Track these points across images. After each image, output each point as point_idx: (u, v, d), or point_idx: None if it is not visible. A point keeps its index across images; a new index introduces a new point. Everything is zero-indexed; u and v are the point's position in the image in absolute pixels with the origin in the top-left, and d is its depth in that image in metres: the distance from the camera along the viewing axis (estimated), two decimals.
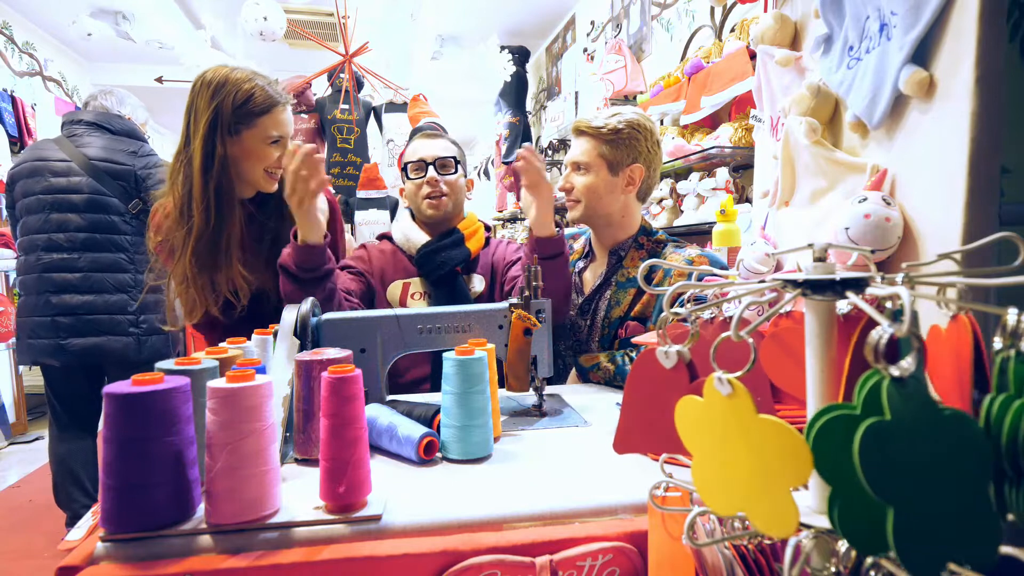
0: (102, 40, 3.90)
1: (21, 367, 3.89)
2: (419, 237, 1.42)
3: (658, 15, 3.14)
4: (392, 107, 2.77)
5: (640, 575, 0.65)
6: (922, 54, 0.70)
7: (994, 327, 0.38)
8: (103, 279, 1.96)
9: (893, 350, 0.36)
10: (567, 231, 1.49)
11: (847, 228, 0.73)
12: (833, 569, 0.39)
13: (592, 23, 4.03)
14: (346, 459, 0.65)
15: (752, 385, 0.42)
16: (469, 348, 0.88)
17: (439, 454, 0.85)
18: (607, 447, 0.74)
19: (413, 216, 1.48)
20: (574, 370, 1.35)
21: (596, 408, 1.08)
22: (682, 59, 2.76)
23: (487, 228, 1.51)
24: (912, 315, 0.34)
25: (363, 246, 1.49)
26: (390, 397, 1.06)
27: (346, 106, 2.68)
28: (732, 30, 2.42)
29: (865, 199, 0.73)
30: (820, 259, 0.44)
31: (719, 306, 0.56)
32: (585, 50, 4.06)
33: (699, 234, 2.33)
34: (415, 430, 0.84)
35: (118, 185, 1.97)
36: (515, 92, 4.94)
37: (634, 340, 1.09)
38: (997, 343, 0.38)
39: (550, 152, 4.39)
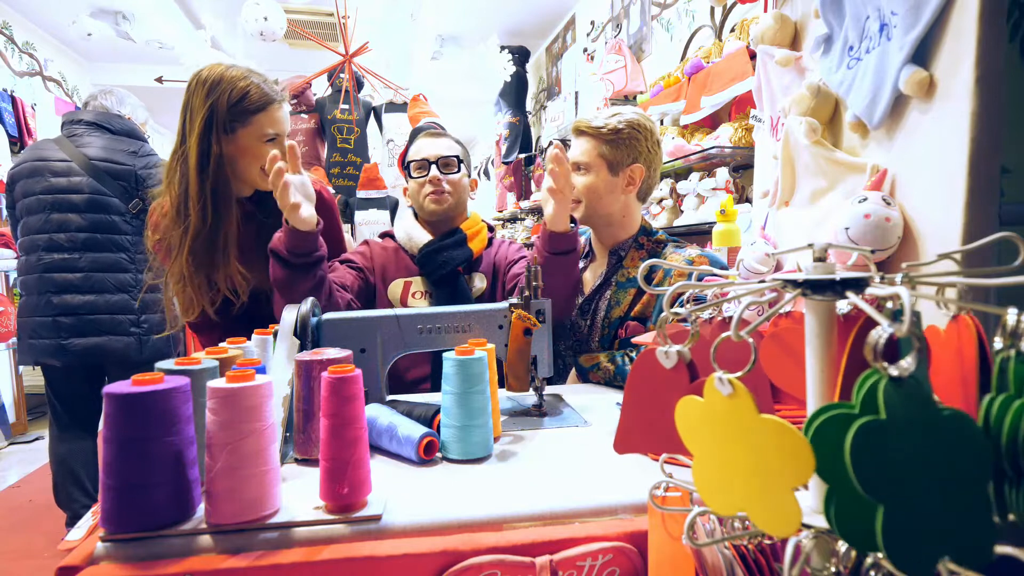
0: (102, 40, 3.90)
1: (21, 367, 3.89)
2: (421, 236, 1.42)
3: (658, 15, 3.14)
4: (392, 107, 2.77)
5: (640, 575, 0.65)
6: (922, 54, 0.70)
7: (994, 327, 0.38)
8: (104, 279, 1.96)
9: (893, 350, 0.36)
10: None
11: (847, 228, 0.73)
12: (833, 569, 0.39)
13: (592, 23, 4.04)
14: (346, 459, 0.65)
15: (752, 385, 0.42)
16: (469, 348, 0.88)
17: (439, 454, 0.85)
18: (607, 447, 0.74)
19: (416, 215, 1.47)
20: (574, 370, 1.34)
21: (596, 408, 1.08)
22: (682, 59, 2.76)
23: (490, 228, 1.50)
24: (915, 315, 0.34)
25: (366, 242, 1.48)
26: (390, 397, 1.06)
27: (346, 106, 2.67)
28: (732, 30, 2.42)
29: (865, 199, 0.73)
30: (820, 259, 0.44)
31: (719, 306, 0.56)
32: (585, 50, 4.06)
33: (699, 234, 2.33)
34: (415, 430, 0.84)
35: (118, 185, 1.97)
36: (515, 92, 4.95)
37: (634, 340, 1.09)
38: (997, 343, 0.38)
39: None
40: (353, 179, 2.65)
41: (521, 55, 4.98)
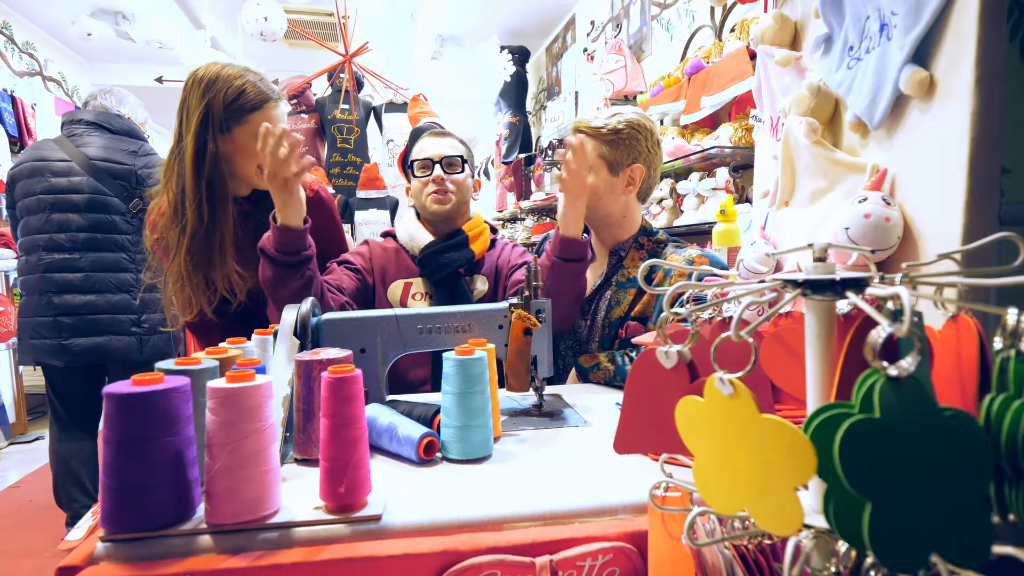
0: (102, 40, 3.91)
1: (21, 367, 3.89)
2: (423, 237, 1.41)
3: (658, 15, 3.14)
4: (392, 107, 2.77)
5: (640, 575, 0.65)
6: (922, 54, 0.70)
7: (994, 327, 0.38)
8: (105, 279, 1.96)
9: (893, 350, 0.36)
10: None
11: (847, 228, 0.73)
12: (833, 569, 0.39)
13: (592, 23, 4.04)
14: (346, 459, 0.65)
15: (752, 385, 0.42)
16: (469, 348, 0.88)
17: (439, 454, 0.85)
18: (607, 447, 0.74)
19: (418, 215, 1.46)
20: (574, 370, 1.34)
21: (596, 408, 1.08)
22: (682, 59, 2.76)
23: (493, 230, 1.49)
24: (916, 316, 0.34)
25: (366, 242, 1.47)
26: (390, 397, 1.06)
27: (346, 106, 2.67)
28: (732, 30, 2.42)
29: (865, 199, 0.73)
30: (820, 259, 0.44)
31: (719, 306, 0.56)
32: (585, 50, 4.06)
33: (699, 234, 2.33)
34: (415, 430, 0.84)
35: (118, 185, 1.97)
36: (515, 92, 4.94)
37: (634, 340, 1.09)
38: (997, 343, 0.38)
39: (550, 152, 4.38)
40: (353, 179, 2.65)
41: (521, 55, 4.98)
